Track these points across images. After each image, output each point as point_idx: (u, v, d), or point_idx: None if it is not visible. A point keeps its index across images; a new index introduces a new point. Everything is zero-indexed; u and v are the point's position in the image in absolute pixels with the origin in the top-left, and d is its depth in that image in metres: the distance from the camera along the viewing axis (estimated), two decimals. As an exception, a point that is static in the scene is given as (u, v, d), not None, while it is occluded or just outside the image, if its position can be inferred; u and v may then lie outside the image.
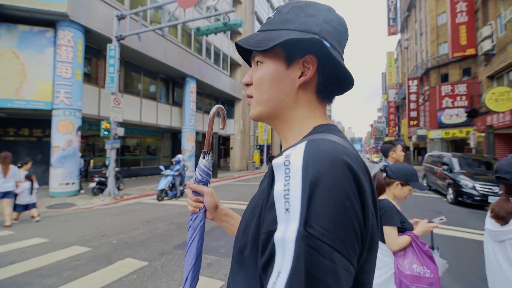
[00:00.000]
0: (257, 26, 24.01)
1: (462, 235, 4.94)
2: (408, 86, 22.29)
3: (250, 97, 0.57)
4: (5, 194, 5.32)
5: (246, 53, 0.60)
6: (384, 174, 1.76)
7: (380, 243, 1.71)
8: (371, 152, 79.42)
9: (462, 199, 7.64)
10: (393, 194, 1.71)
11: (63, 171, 8.50)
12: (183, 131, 15.34)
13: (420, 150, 30.28)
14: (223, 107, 0.76)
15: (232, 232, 0.72)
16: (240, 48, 0.58)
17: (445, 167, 9.03)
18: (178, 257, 3.76)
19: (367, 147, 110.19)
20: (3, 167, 5.30)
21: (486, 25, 13.05)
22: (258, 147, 25.52)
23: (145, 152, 16.74)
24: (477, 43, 14.22)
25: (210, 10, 8.80)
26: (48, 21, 8.59)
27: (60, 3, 8.19)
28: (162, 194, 8.28)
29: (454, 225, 5.46)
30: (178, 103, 16.06)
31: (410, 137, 26.37)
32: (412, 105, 22.20)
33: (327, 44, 0.50)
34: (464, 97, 14.73)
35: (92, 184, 8.82)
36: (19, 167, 5.82)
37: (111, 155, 8.67)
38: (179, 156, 9.01)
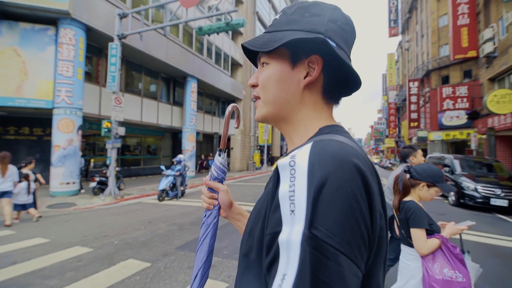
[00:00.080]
0: (258, 26, 24.00)
1: (464, 237, 4.89)
2: (409, 88, 22.33)
3: (258, 98, 0.57)
4: (3, 194, 5.28)
5: (253, 55, 0.60)
6: (408, 175, 1.71)
7: (404, 247, 1.66)
8: (371, 153, 79.49)
9: (464, 201, 7.64)
10: (419, 196, 1.66)
11: (64, 170, 8.47)
12: (183, 131, 15.30)
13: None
14: (238, 106, 0.75)
15: None
16: (246, 50, 0.57)
17: (446, 169, 9.03)
18: (181, 258, 3.73)
19: (367, 148, 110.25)
20: (2, 166, 5.25)
21: (487, 28, 13.06)
22: (258, 147, 25.51)
23: (146, 152, 16.70)
24: (478, 45, 14.24)
25: (212, 9, 8.77)
26: (49, 19, 8.55)
27: (62, 1, 8.15)
28: (163, 194, 8.24)
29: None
30: (179, 102, 16.03)
31: (410, 139, 26.42)
32: (413, 107, 22.24)
33: (333, 44, 0.49)
34: (465, 99, 14.73)
35: (93, 184, 8.78)
36: (22, 167, 5.78)
37: (111, 155, 8.63)
38: (180, 156, 8.97)
